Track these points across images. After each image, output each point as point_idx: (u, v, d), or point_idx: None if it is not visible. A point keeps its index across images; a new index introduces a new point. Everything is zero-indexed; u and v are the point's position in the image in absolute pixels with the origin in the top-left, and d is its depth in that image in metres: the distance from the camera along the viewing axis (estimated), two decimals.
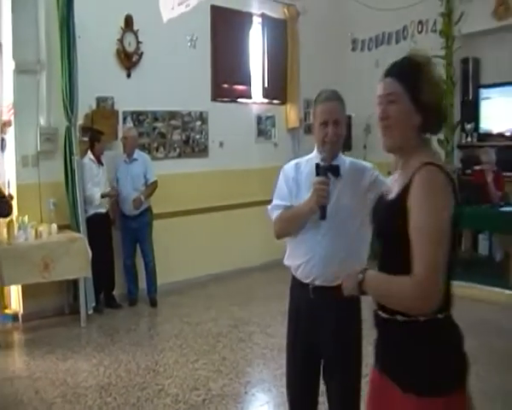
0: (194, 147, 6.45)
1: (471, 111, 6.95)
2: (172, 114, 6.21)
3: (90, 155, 5.33)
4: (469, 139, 6.98)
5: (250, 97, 7.08)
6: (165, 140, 6.18)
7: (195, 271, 6.29)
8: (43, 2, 5.08)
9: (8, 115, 5.09)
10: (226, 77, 6.76)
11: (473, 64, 6.90)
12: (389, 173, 1.81)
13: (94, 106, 5.52)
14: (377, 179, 2.15)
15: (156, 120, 6.07)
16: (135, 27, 5.75)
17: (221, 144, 6.69)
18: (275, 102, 7.39)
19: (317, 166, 2.13)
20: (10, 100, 5.05)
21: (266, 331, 4.78)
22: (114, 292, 5.54)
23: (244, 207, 6.71)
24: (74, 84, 5.05)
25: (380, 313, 1.59)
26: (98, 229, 5.25)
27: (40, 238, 4.83)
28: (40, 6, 5.10)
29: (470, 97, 6.98)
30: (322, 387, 2.30)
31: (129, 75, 5.81)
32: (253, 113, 7.11)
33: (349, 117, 6.36)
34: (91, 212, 5.28)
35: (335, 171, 2.14)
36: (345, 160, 2.24)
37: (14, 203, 4.81)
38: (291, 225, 2.22)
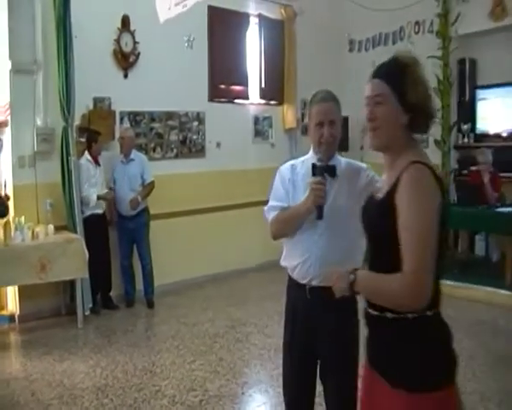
0: (191, 147, 6.45)
1: (468, 112, 6.97)
2: (169, 115, 6.20)
3: (87, 155, 5.32)
4: (466, 140, 6.99)
5: (247, 98, 7.08)
6: (162, 140, 6.17)
7: (192, 271, 6.28)
8: (40, 2, 5.07)
9: (4, 116, 5.07)
10: (223, 77, 6.75)
11: (469, 65, 6.91)
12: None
13: (91, 106, 5.51)
14: (373, 180, 2.16)
15: (153, 120, 6.07)
16: (132, 27, 5.75)
17: (218, 145, 6.69)
18: (272, 102, 7.39)
19: (314, 166, 2.13)
20: (7, 100, 5.03)
21: (263, 332, 4.78)
22: (111, 293, 5.54)
23: (241, 207, 6.71)
24: (71, 84, 5.05)
25: (370, 310, 1.62)
26: (95, 230, 5.25)
27: (37, 239, 4.81)
28: (37, 6, 5.08)
29: (467, 98, 6.99)
30: (319, 387, 2.29)
31: (126, 75, 5.81)
32: (250, 113, 7.11)
33: (346, 118, 6.36)
34: (88, 213, 5.27)
35: (332, 171, 2.15)
36: (340, 160, 2.24)
37: (11, 204, 4.80)
38: (288, 225, 2.22)
